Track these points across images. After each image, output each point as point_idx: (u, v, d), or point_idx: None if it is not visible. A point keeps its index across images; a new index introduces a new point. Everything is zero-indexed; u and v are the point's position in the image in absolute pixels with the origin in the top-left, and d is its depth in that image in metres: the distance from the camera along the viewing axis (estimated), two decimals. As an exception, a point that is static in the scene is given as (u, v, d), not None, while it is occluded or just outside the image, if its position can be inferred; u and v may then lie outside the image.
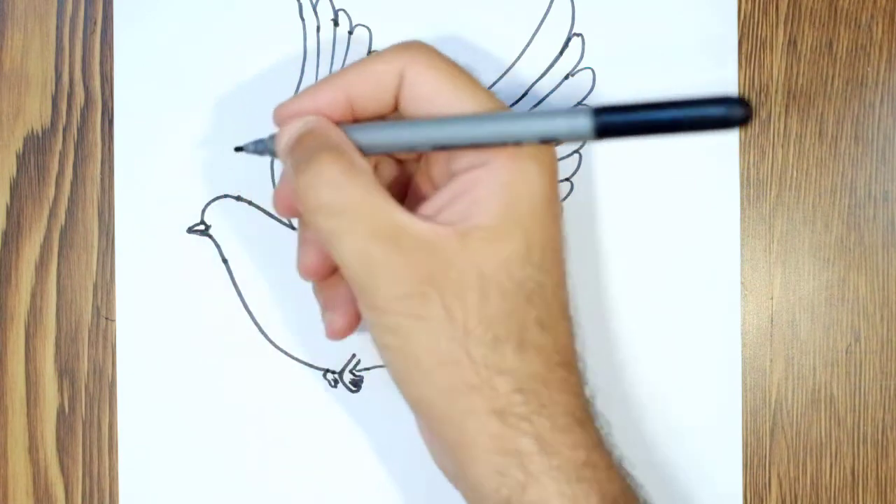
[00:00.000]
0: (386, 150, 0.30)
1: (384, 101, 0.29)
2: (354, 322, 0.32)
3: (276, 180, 0.38)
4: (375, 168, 0.32)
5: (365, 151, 0.29)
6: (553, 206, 0.28)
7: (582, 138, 0.26)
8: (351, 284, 0.28)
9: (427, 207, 0.28)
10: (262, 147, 0.32)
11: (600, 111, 0.26)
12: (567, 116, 0.26)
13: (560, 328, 0.28)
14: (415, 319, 0.27)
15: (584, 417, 0.28)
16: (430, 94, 0.28)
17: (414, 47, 0.29)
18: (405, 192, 0.33)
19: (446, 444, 0.28)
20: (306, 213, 0.28)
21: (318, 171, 0.27)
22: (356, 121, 0.30)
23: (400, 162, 0.33)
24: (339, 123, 0.30)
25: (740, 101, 0.23)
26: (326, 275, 0.32)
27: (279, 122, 0.31)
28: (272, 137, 0.31)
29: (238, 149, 0.33)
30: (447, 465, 0.29)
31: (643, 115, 0.25)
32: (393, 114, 0.31)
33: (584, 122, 0.26)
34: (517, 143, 0.27)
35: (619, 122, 0.25)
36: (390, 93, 0.29)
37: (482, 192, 0.27)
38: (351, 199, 0.27)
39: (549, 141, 0.27)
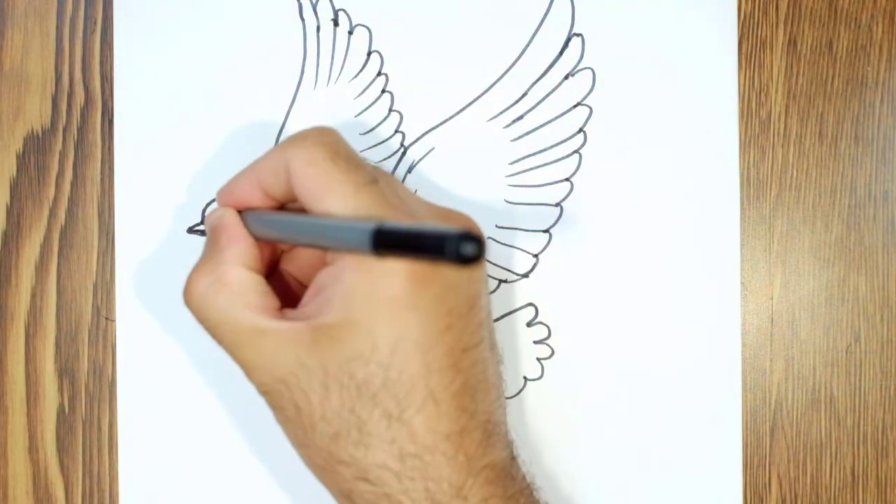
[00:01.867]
0: (266, 238, 0.32)
1: (285, 190, 0.31)
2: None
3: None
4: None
5: (259, 238, 0.32)
6: (412, 304, 0.28)
7: (364, 253, 0.27)
8: None
9: (305, 296, 0.31)
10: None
11: (379, 233, 0.26)
12: (350, 231, 0.27)
13: (420, 418, 0.28)
14: (276, 410, 0.30)
15: (446, 500, 0.29)
16: (306, 187, 0.30)
17: (300, 140, 0.30)
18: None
19: None
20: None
21: (188, 285, 0.31)
22: (280, 203, 0.32)
23: None
24: (249, 209, 0.32)
25: (462, 237, 0.23)
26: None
27: (219, 201, 0.33)
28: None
29: (190, 230, 0.38)
30: None
31: (406, 242, 0.25)
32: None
33: (363, 238, 0.26)
34: (332, 247, 0.29)
35: (391, 244, 0.26)
36: (285, 183, 0.31)
37: (331, 291, 0.29)
38: (214, 313, 0.30)
39: (344, 250, 0.28)
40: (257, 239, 0.32)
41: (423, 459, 0.28)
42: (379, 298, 0.28)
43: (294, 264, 0.34)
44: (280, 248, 0.34)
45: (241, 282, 0.30)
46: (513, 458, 0.31)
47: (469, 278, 0.30)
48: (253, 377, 0.30)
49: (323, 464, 0.29)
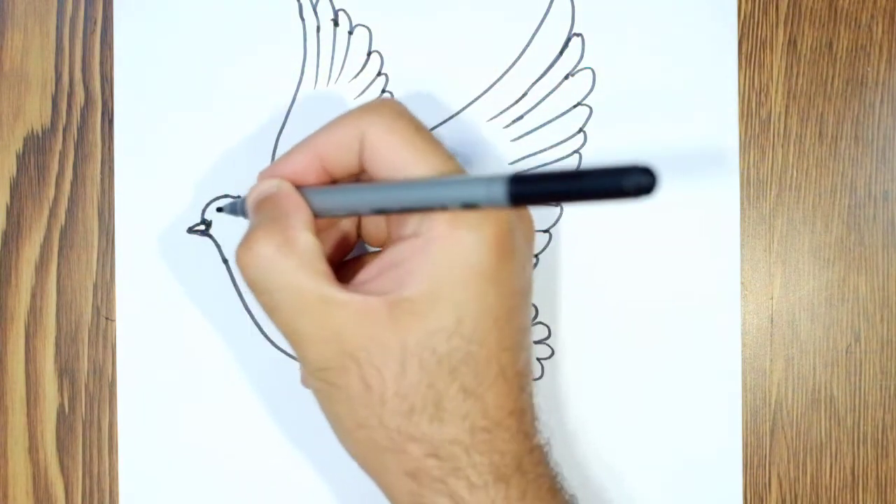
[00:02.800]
0: (329, 213, 0.30)
1: (351, 163, 0.30)
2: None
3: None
4: (359, 227, 0.34)
5: (317, 215, 0.30)
6: (499, 277, 0.28)
7: (497, 204, 0.26)
8: None
9: (368, 271, 0.30)
10: (237, 208, 0.34)
11: (516, 179, 0.25)
12: (482, 184, 0.26)
13: (491, 393, 0.29)
14: (334, 388, 0.29)
15: (511, 472, 0.29)
16: (387, 157, 0.29)
17: (376, 109, 0.30)
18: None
19: (382, 492, 0.30)
20: (247, 286, 0.29)
21: (250, 248, 0.28)
22: (334, 180, 0.31)
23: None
24: (304, 186, 0.31)
25: (647, 171, 0.23)
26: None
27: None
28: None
29: (219, 210, 0.37)
30: None
31: (554, 186, 0.25)
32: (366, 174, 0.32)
33: (499, 190, 0.25)
34: (439, 208, 0.28)
35: (532, 192, 0.25)
36: (355, 155, 0.30)
37: (414, 264, 0.28)
38: (279, 276, 0.28)
39: (469, 206, 0.27)
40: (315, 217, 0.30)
41: (491, 433, 0.29)
42: (467, 270, 0.28)
43: (327, 245, 0.33)
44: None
45: (311, 248, 0.29)
46: (548, 441, 0.32)
47: (530, 258, 0.30)
48: (312, 352, 0.29)
49: (388, 443, 0.28)
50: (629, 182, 0.23)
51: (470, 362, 0.28)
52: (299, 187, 0.31)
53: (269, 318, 0.29)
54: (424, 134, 0.29)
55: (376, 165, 0.29)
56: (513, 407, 0.29)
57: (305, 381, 0.32)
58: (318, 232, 0.32)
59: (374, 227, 0.33)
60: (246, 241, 0.29)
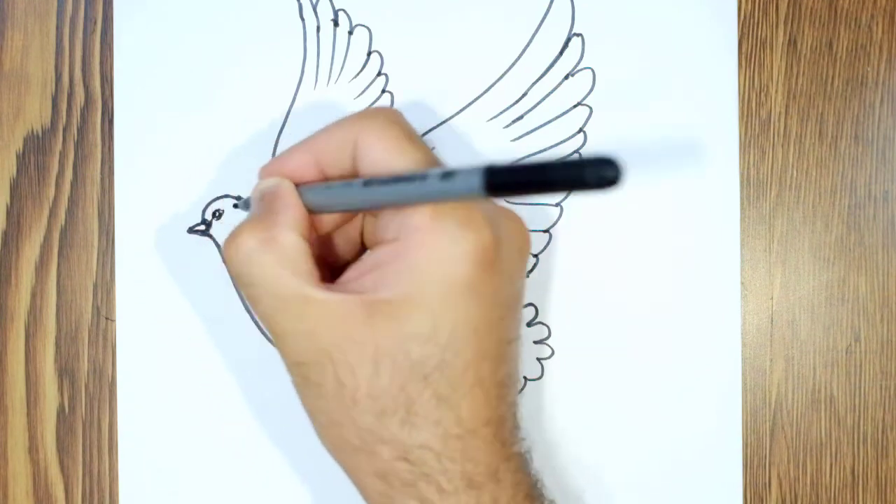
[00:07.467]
0: (322, 209, 0.31)
1: (346, 164, 0.31)
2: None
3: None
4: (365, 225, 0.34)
5: (312, 210, 0.31)
6: (476, 290, 0.28)
7: (474, 194, 0.26)
8: None
9: (351, 270, 0.30)
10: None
11: (492, 170, 0.25)
12: (461, 175, 0.26)
13: (466, 402, 0.29)
14: (310, 384, 0.29)
15: (483, 481, 0.29)
16: (376, 159, 0.30)
17: (372, 115, 0.31)
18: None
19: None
20: (230, 275, 0.31)
21: (234, 240, 0.29)
22: (328, 179, 0.32)
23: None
24: (301, 183, 0.31)
25: (611, 163, 0.23)
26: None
27: (264, 177, 0.33)
28: None
29: (236, 206, 0.37)
30: None
31: (524, 177, 0.25)
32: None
33: (475, 182, 0.25)
34: (419, 200, 0.28)
35: (505, 181, 0.25)
36: (349, 158, 0.30)
37: (395, 267, 0.28)
38: (259, 271, 0.29)
39: (448, 199, 0.27)
40: (310, 213, 0.31)
41: (464, 442, 0.29)
42: (446, 280, 0.28)
43: (325, 246, 0.34)
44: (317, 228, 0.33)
45: (293, 246, 0.29)
46: (529, 449, 0.32)
47: (520, 271, 0.30)
48: (289, 347, 0.29)
49: (359, 443, 0.29)
50: (591, 174, 0.23)
51: (445, 370, 0.28)
52: (297, 185, 0.31)
53: (251, 308, 0.30)
54: (415, 140, 0.30)
55: (367, 167, 0.30)
56: (490, 416, 0.29)
57: (289, 376, 0.32)
58: (326, 233, 0.32)
59: (371, 230, 0.34)
60: (232, 234, 0.30)
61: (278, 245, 0.29)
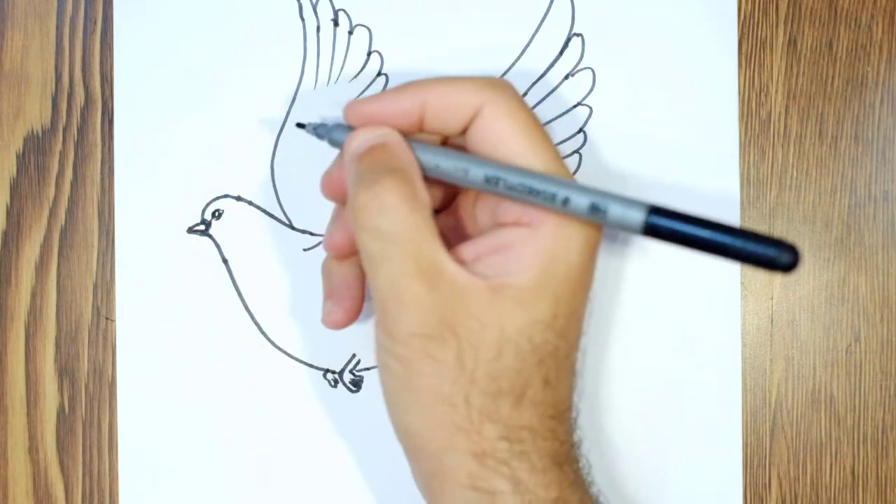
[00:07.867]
0: (448, 178, 0.30)
1: (454, 125, 0.30)
2: (353, 315, 0.33)
3: (276, 180, 0.38)
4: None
5: (426, 174, 0.29)
6: (587, 279, 0.29)
7: (628, 229, 0.26)
8: (376, 306, 0.29)
9: (466, 250, 0.29)
10: (322, 132, 0.33)
11: (656, 211, 0.25)
12: (623, 204, 0.26)
13: (563, 385, 0.30)
14: (427, 358, 0.28)
15: (564, 460, 0.30)
16: (502, 138, 0.29)
17: (499, 87, 0.29)
18: (447, 219, 0.33)
19: (423, 474, 0.30)
20: (356, 228, 0.28)
21: (377, 194, 0.27)
22: (423, 132, 0.31)
23: (447, 188, 0.33)
24: (404, 135, 0.30)
25: (791, 248, 0.23)
26: (347, 254, 0.33)
27: (352, 118, 0.31)
28: (338, 128, 0.32)
29: (300, 125, 0.34)
30: (422, 491, 0.31)
31: (693, 230, 0.25)
32: (452, 140, 0.31)
33: (637, 216, 0.26)
34: (567, 213, 0.28)
35: (669, 228, 0.25)
36: (462, 121, 0.29)
37: (523, 253, 0.28)
38: (402, 229, 0.27)
39: (595, 217, 0.27)
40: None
41: (557, 421, 0.30)
42: (570, 269, 0.28)
43: None
44: None
45: (429, 208, 0.28)
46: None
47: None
48: (412, 316, 0.27)
49: (465, 423, 0.28)
50: (783, 258, 0.23)
51: (556, 355, 0.29)
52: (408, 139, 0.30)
53: (371, 268, 0.28)
54: (542, 128, 0.29)
55: (484, 141, 0.29)
56: (571, 401, 0.31)
57: (386, 350, 0.29)
58: None
59: (479, 207, 0.32)
60: (370, 185, 0.27)
61: (422, 205, 0.28)
